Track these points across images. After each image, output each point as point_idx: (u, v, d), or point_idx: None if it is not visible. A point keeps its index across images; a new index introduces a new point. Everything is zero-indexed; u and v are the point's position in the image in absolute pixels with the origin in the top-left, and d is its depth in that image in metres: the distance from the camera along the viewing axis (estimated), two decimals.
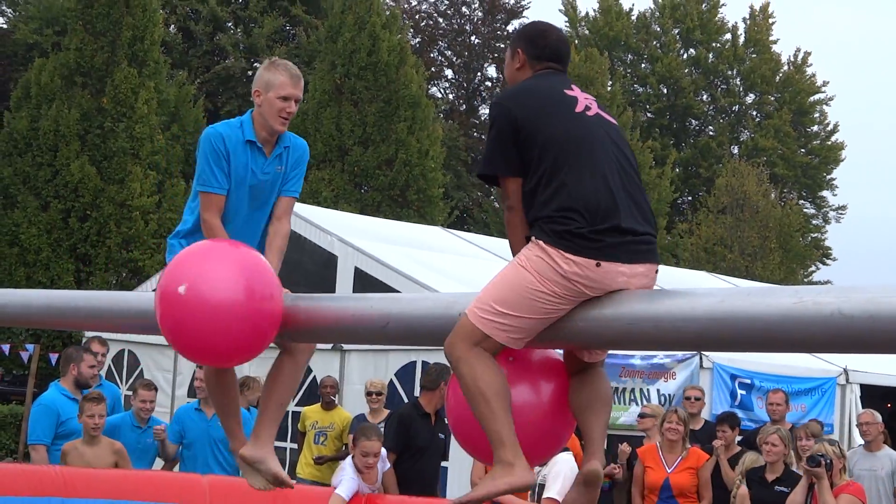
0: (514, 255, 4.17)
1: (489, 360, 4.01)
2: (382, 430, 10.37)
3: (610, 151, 4.09)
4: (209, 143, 4.91)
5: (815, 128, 46.50)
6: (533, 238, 4.02)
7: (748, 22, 45.95)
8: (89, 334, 12.70)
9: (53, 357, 19.79)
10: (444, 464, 10.86)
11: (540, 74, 4.32)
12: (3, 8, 38.26)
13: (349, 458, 9.06)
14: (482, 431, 4.09)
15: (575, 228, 3.92)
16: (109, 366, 16.18)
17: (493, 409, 3.98)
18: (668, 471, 9.38)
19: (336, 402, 11.66)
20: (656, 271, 4.10)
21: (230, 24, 38.34)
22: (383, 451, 9.20)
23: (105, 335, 11.76)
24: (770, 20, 45.96)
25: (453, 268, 14.73)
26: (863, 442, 10.89)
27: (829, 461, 8.14)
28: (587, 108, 4.17)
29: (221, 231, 4.84)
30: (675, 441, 9.45)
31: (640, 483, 9.53)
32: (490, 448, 4.09)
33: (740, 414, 13.11)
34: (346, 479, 8.76)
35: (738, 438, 10.52)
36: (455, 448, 11.52)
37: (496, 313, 3.97)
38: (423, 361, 12.81)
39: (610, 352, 12.12)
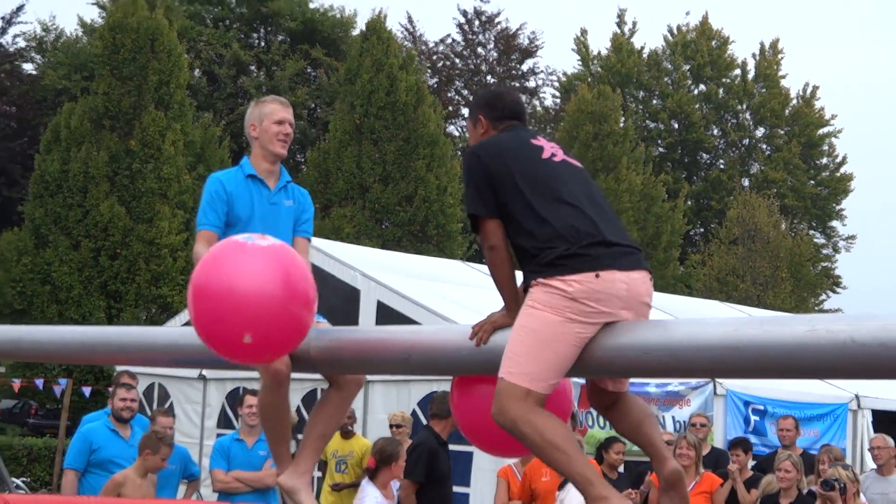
0: (500, 291, 4.25)
1: (543, 412, 4.04)
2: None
3: (578, 187, 4.22)
4: (208, 187, 5.11)
5: (825, 160, 46.41)
6: (532, 282, 4.08)
7: (757, 58, 45.97)
8: (120, 369, 12.73)
9: (86, 390, 19.86)
10: (464, 489, 10.82)
11: (504, 130, 4.45)
12: (33, 55, 38.55)
13: (367, 479, 9.07)
14: (495, 432, 4.15)
15: (563, 251, 4.00)
16: (140, 398, 16.21)
17: (570, 455, 4.01)
18: None
19: (354, 431, 11.62)
20: (650, 279, 4.15)
21: (253, 68, 38.58)
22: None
23: (135, 369, 11.80)
24: (779, 56, 45.99)
25: (473, 300, 14.70)
26: (875, 466, 10.82)
27: (843, 485, 8.10)
28: (553, 155, 4.30)
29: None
30: (688, 466, 9.42)
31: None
32: (507, 444, 4.21)
33: (754, 439, 13.06)
34: (368, 496, 8.78)
35: (752, 463, 10.47)
36: (475, 474, 11.49)
37: (527, 363, 4.01)
38: (444, 392, 12.80)
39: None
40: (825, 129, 46.12)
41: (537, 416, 4.02)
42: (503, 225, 4.21)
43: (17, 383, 22.21)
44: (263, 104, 5.21)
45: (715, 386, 13.68)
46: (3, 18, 35.01)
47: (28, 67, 37.71)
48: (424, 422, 12.90)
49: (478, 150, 4.35)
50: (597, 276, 3.97)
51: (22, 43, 37.55)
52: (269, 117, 5.14)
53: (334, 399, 5.08)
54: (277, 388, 4.82)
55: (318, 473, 12.93)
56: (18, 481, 17.91)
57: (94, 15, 38.79)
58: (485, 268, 16.59)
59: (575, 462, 4.04)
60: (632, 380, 12.88)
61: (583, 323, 3.98)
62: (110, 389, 9.47)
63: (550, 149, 4.32)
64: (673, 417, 13.37)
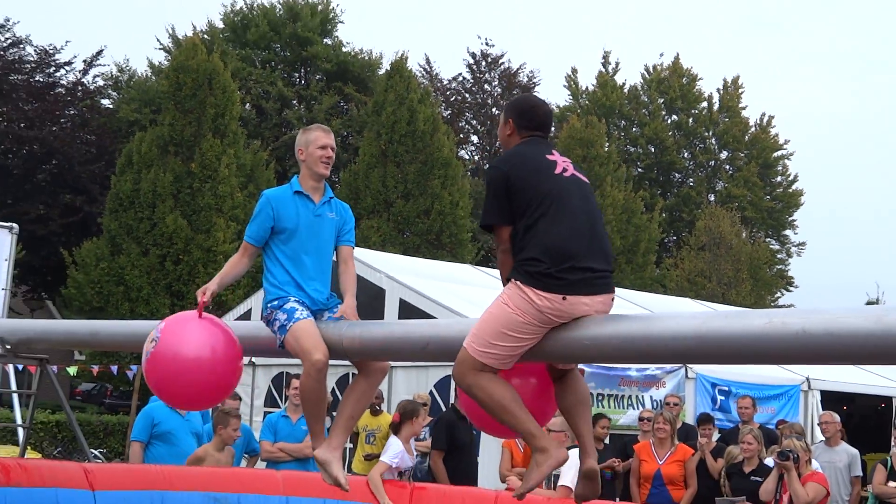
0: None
1: (493, 378, 4.15)
2: (428, 432, 10.37)
3: (577, 205, 4.19)
4: (258, 205, 5.25)
5: (779, 178, 46.34)
6: (513, 279, 4.13)
7: (721, 92, 45.95)
8: None
9: None
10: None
11: (526, 141, 4.41)
12: (110, 92, 38.71)
13: (394, 437, 9.10)
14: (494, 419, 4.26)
15: (543, 269, 4.03)
16: None
17: (514, 414, 4.14)
18: (660, 463, 9.33)
19: (382, 409, 11.69)
20: (612, 299, 4.19)
21: (295, 102, 38.63)
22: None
23: None
24: (739, 90, 45.96)
25: (481, 297, 14.70)
26: (823, 439, 10.79)
27: (796, 456, 8.07)
28: (564, 170, 4.27)
29: (231, 262, 5.51)
30: (664, 438, 9.42)
31: (636, 474, 9.48)
32: (504, 427, 4.33)
33: (720, 416, 13.05)
34: (391, 449, 8.81)
35: (717, 436, 10.45)
36: (483, 445, 11.48)
37: (488, 345, 4.11)
38: None
39: (610, 365, 11.98)
40: (779, 152, 46.08)
41: (488, 381, 4.13)
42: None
43: (95, 369, 22.29)
44: (309, 132, 5.26)
45: (686, 370, 13.65)
46: (85, 61, 35.12)
47: (106, 102, 37.82)
48: (440, 401, 12.92)
49: (500, 164, 4.33)
50: (564, 298, 4.02)
51: (101, 82, 37.67)
52: (314, 143, 5.18)
53: (362, 385, 5.13)
54: (317, 376, 4.84)
55: (349, 445, 12.96)
56: (96, 452, 17.96)
57: (161, 58, 38.94)
58: (491, 270, 16.65)
59: (519, 420, 4.16)
60: (615, 364, 12.87)
61: (541, 328, 4.07)
62: None
63: (562, 164, 4.30)
64: (651, 397, 13.35)
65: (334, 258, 5.29)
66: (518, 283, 4.08)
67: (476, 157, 44.48)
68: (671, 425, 9.52)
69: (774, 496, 8.13)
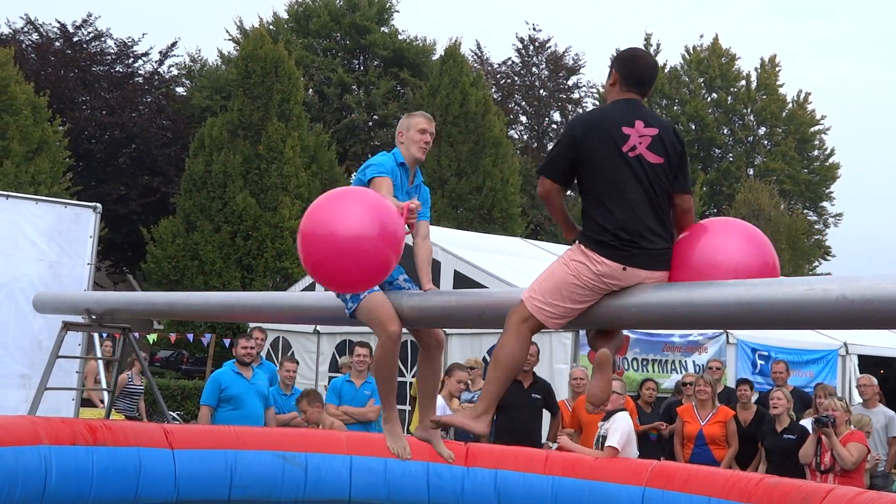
0: (557, 223, 4.35)
1: (524, 340, 4.11)
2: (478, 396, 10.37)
3: (640, 189, 3.98)
4: (384, 159, 5.03)
5: (816, 152, 45.52)
6: (577, 241, 4.06)
7: (759, 70, 45.17)
8: (252, 325, 12.86)
9: (226, 342, 20.13)
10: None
11: (617, 102, 4.16)
12: (183, 80, 39.05)
13: (439, 396, 9.17)
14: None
15: (608, 240, 3.94)
16: (268, 349, 16.39)
17: (500, 376, 4.11)
18: (702, 424, 9.24)
19: None
20: (668, 277, 4.05)
21: (354, 87, 38.66)
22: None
23: (265, 325, 11.94)
24: (777, 68, 45.15)
25: (530, 269, 14.62)
26: (861, 401, 10.60)
27: (832, 420, 7.91)
28: (633, 147, 4.02)
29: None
30: (706, 400, 9.32)
31: (680, 434, 9.39)
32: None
33: (759, 379, 12.89)
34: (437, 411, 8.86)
35: (755, 397, 10.31)
36: None
37: (542, 301, 4.04)
38: None
39: (653, 330, 11.91)
40: (816, 128, 45.26)
41: (518, 337, 4.09)
42: (560, 190, 4.19)
43: (173, 337, 22.62)
44: (412, 117, 5.17)
45: (727, 336, 13.50)
46: (160, 52, 35.48)
47: (180, 90, 38.18)
48: None
49: (577, 125, 4.13)
50: (624, 269, 3.93)
51: (175, 71, 38.04)
52: (415, 127, 5.09)
53: (426, 364, 5.19)
54: (393, 347, 4.85)
55: (408, 408, 13.02)
56: (174, 414, 18.24)
57: (230, 48, 39.14)
58: (539, 243, 16.58)
59: (496, 382, 4.15)
60: (659, 331, 12.73)
61: (594, 294, 3.98)
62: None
63: (637, 139, 4.02)
64: (693, 362, 13.23)
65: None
66: (582, 246, 4.00)
67: (525, 137, 44.23)
68: (712, 388, 9.43)
69: (815, 458, 8.01)
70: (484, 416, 4.14)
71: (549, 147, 43.27)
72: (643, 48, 4.86)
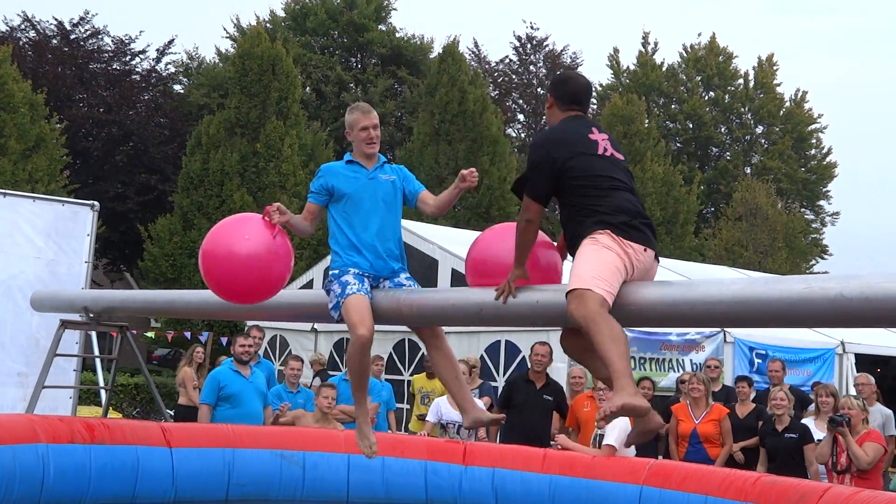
0: (517, 250, 4.35)
1: (613, 318, 4.03)
2: (478, 394, 10.37)
3: (620, 183, 4.22)
4: (322, 171, 5.23)
5: (813, 151, 45.54)
6: (598, 230, 4.09)
7: (756, 69, 45.18)
8: (250, 323, 12.85)
9: (223, 340, 20.13)
10: None
11: (566, 119, 4.40)
12: (181, 78, 39.01)
13: (443, 397, 9.22)
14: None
15: (627, 221, 4.08)
16: (266, 347, 16.39)
17: (623, 352, 3.98)
18: (696, 422, 9.23)
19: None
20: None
21: (352, 85, 38.65)
22: (480, 402, 9.27)
23: (262, 324, 11.93)
24: (774, 67, 45.16)
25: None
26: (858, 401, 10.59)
27: (848, 420, 7.86)
28: (605, 149, 4.27)
29: (299, 219, 5.33)
30: (699, 398, 9.31)
31: (674, 433, 9.39)
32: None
33: (757, 378, 12.89)
34: (433, 409, 8.90)
35: (753, 395, 10.31)
36: None
37: (609, 285, 4.02)
38: (506, 341, 12.77)
39: (651, 329, 11.90)
40: (813, 126, 45.27)
41: (610, 318, 3.99)
42: (542, 210, 4.31)
43: (170, 335, 22.62)
44: (351, 113, 5.20)
45: (725, 335, 13.51)
46: (157, 50, 35.43)
47: (177, 88, 38.12)
48: (490, 365, 12.91)
49: (545, 143, 4.33)
50: (645, 250, 4.10)
51: (172, 69, 37.99)
52: (356, 126, 5.13)
53: (434, 354, 5.18)
54: (361, 350, 4.88)
55: (406, 406, 13.03)
56: (172, 412, 18.22)
57: (227, 46, 39.15)
58: None
59: (623, 358, 3.99)
60: (656, 329, 12.72)
61: (626, 273, 4.06)
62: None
63: (603, 143, 4.29)
64: (691, 360, 13.24)
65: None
66: (608, 231, 4.07)
67: (522, 135, 44.24)
68: (705, 386, 9.41)
69: (831, 458, 7.95)
70: (637, 391, 4.06)
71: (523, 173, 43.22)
72: (575, 70, 5.11)
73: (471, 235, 18.24)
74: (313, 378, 12.58)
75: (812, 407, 10.11)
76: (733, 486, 6.48)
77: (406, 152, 30.96)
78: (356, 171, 5.14)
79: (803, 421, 9.02)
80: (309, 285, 17.21)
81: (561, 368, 11.70)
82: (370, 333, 4.80)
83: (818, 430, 8.71)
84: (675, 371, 12.89)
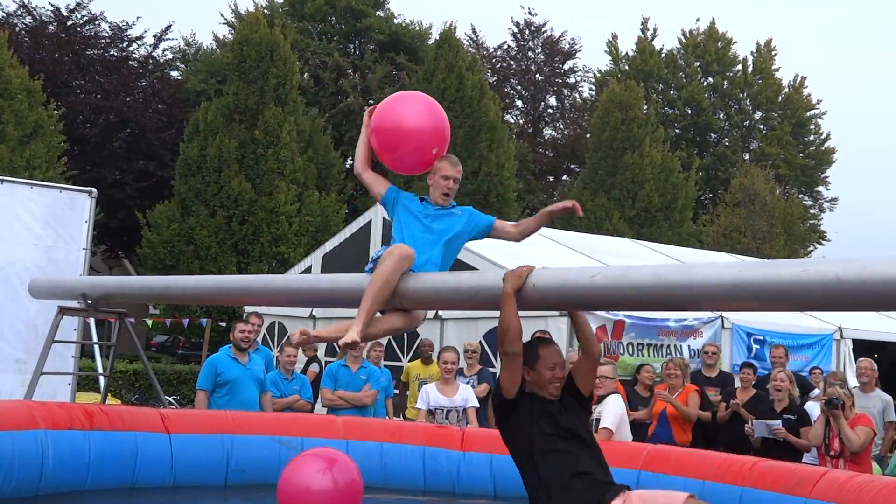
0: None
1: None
2: (476, 381, 10.39)
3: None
4: (401, 198, 5.32)
5: (811, 137, 45.50)
6: None
7: (755, 55, 45.10)
8: (249, 310, 12.84)
9: (222, 325, 20.14)
10: None
11: None
12: (178, 64, 38.89)
13: (431, 384, 9.26)
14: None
15: None
16: (265, 334, 16.39)
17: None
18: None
19: (433, 358, 11.66)
20: None
21: (350, 71, 38.54)
22: (468, 388, 9.28)
23: (261, 310, 11.92)
24: (773, 52, 45.08)
25: (524, 253, 14.65)
26: (857, 384, 10.62)
27: (841, 403, 7.97)
28: None
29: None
30: (676, 383, 9.50)
31: (655, 415, 9.55)
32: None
33: (755, 363, 12.91)
34: (422, 395, 8.94)
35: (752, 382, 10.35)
36: None
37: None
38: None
39: (648, 315, 11.89)
40: (812, 112, 45.23)
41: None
42: None
43: (168, 321, 22.62)
44: (441, 160, 5.21)
45: (723, 321, 13.52)
46: (155, 36, 35.28)
47: (175, 74, 38.00)
48: (489, 351, 12.91)
49: None
50: None
51: (170, 55, 37.82)
52: (439, 172, 5.13)
53: (397, 313, 4.96)
54: (400, 266, 4.73)
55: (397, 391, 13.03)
56: (171, 399, 18.25)
57: (225, 32, 39.03)
58: None
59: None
60: (654, 315, 12.73)
61: None
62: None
63: None
64: (689, 346, 13.25)
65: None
66: None
67: (521, 121, 44.18)
68: (682, 370, 9.58)
69: (823, 441, 8.04)
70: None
71: (546, 132, 43.43)
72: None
73: None
74: (306, 363, 12.59)
75: (816, 392, 10.16)
76: (730, 470, 6.50)
77: None
78: (421, 208, 5.14)
79: (807, 405, 9.08)
80: (307, 271, 17.22)
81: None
82: (414, 256, 4.77)
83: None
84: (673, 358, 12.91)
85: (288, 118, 27.71)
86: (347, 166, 32.58)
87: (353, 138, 36.81)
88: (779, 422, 8.57)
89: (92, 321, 10.64)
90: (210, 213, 26.68)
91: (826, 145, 45.30)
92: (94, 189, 10.82)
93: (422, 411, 9.04)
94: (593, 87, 45.13)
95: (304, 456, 5.66)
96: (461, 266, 13.58)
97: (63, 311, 7.96)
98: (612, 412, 7.83)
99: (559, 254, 15.32)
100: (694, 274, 3.71)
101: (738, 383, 10.11)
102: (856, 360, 12.25)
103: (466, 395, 9.19)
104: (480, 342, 12.70)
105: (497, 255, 13.59)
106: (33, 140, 24.65)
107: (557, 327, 12.18)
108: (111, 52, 33.96)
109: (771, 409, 8.82)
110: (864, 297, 3.33)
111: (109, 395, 9.68)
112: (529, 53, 42.96)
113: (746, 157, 43.95)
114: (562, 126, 44.69)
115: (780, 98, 44.60)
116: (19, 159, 23.58)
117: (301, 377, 10.21)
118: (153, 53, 35.42)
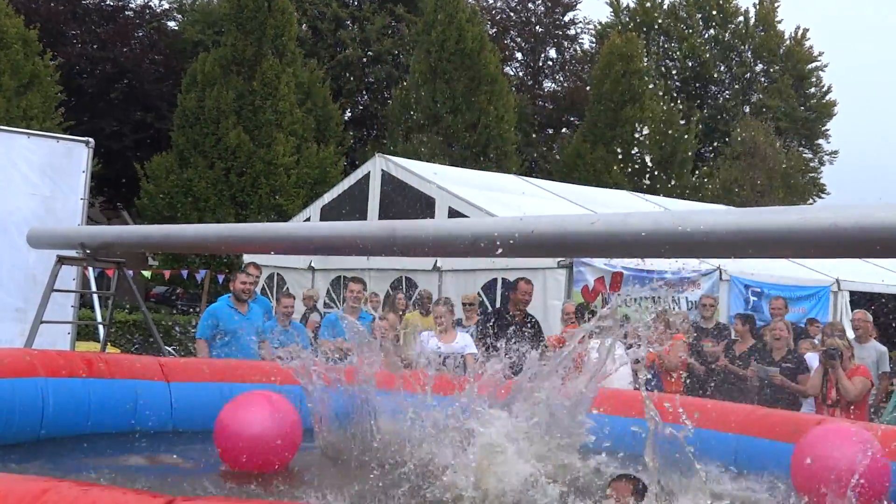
0: None
1: None
2: (475, 330, 10.42)
3: None
4: None
5: (813, 89, 45.27)
6: None
7: (757, 6, 44.72)
8: (247, 259, 12.86)
9: (220, 278, 20.17)
10: None
11: None
12: (175, 15, 38.55)
13: (427, 331, 9.30)
14: None
15: None
16: (263, 285, 16.43)
17: None
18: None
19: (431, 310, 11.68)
20: None
21: (349, 23, 38.21)
22: (466, 335, 9.31)
23: (260, 261, 11.93)
24: (775, 3, 44.69)
25: (525, 205, 14.66)
26: (854, 336, 10.66)
27: (840, 353, 8.02)
28: None
29: None
30: (662, 333, 9.56)
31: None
32: None
33: (752, 315, 12.97)
34: (421, 341, 9.00)
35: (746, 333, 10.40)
36: None
37: None
38: (502, 279, 12.80)
39: (647, 267, 11.94)
40: (813, 64, 44.96)
41: None
42: None
43: (167, 273, 22.65)
44: None
45: (721, 272, 13.55)
46: None
47: (172, 24, 37.72)
48: (486, 302, 12.96)
49: None
50: None
51: (167, 4, 37.59)
52: None
53: None
54: None
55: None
56: (170, 349, 18.31)
57: None
58: (534, 180, 16.56)
59: None
60: (651, 267, 12.80)
61: None
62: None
63: None
64: (686, 298, 13.30)
65: None
66: None
67: (520, 73, 43.89)
68: (666, 324, 9.69)
69: (821, 391, 8.11)
70: None
71: (546, 85, 43.15)
72: None
73: (468, 174, 18.23)
74: (304, 313, 12.64)
75: (816, 340, 10.21)
76: (727, 418, 6.53)
77: (402, 91, 30.73)
78: None
79: (806, 356, 9.14)
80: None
81: (556, 305, 11.76)
82: None
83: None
84: (671, 309, 12.95)
85: (286, 69, 27.54)
86: (346, 118, 32.43)
87: (351, 90, 36.63)
88: (777, 368, 8.64)
89: (91, 271, 10.65)
90: (208, 165, 26.62)
91: (827, 98, 45.09)
92: (91, 139, 10.76)
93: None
94: (594, 40, 44.79)
95: (241, 399, 5.69)
96: (454, 215, 13.62)
97: (62, 260, 7.96)
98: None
99: (557, 206, 15.31)
100: (693, 220, 3.70)
101: (733, 335, 10.16)
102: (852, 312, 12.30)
103: (465, 342, 9.22)
104: (479, 293, 12.74)
105: (500, 209, 13.60)
106: (30, 90, 24.51)
107: (555, 279, 12.21)
108: (107, 2, 33.64)
109: (769, 358, 8.89)
110: (862, 243, 3.32)
111: (109, 344, 9.71)
112: (529, 5, 42.57)
113: (747, 109, 43.75)
114: (561, 78, 44.41)
115: (781, 50, 44.30)
116: (16, 109, 23.45)
117: (298, 325, 10.26)
118: (150, 3, 35.15)
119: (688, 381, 9.53)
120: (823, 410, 8.01)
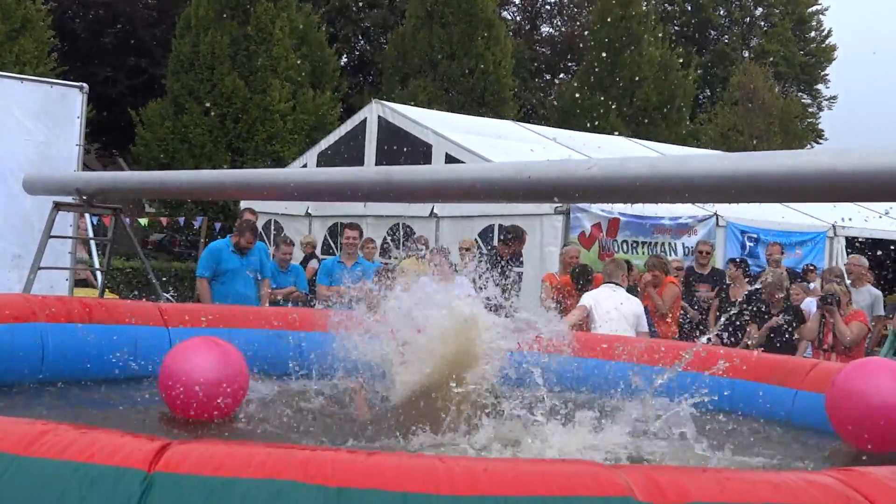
0: None
1: None
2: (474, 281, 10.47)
3: None
4: None
5: (813, 34, 44.96)
6: None
7: None
8: (244, 205, 12.86)
9: (217, 226, 20.19)
10: None
11: None
12: None
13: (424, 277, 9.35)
14: None
15: None
16: (260, 232, 16.43)
17: None
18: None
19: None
20: None
21: None
22: (465, 280, 9.37)
23: (256, 208, 11.92)
24: None
25: (522, 152, 14.62)
26: (849, 281, 10.72)
27: (838, 298, 8.07)
28: None
29: None
30: (657, 275, 9.66)
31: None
32: None
33: (749, 261, 13.01)
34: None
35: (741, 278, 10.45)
36: (526, 279, 11.57)
37: None
38: (499, 225, 12.82)
39: (643, 213, 12.01)
40: (814, 7, 44.61)
41: None
42: None
43: (164, 220, 22.65)
44: None
45: (717, 218, 13.56)
46: None
47: None
48: (483, 248, 12.98)
49: None
50: None
51: None
52: None
53: None
54: None
55: None
56: (168, 295, 18.38)
57: None
58: (532, 126, 16.52)
59: None
60: (648, 213, 12.83)
61: None
62: (235, 225, 9.60)
63: None
64: (683, 244, 13.32)
65: None
66: None
67: (518, 18, 43.49)
68: (660, 269, 9.74)
69: (818, 335, 8.18)
70: None
71: (543, 29, 42.77)
72: None
73: (465, 120, 18.14)
74: (303, 260, 12.72)
75: (813, 285, 10.27)
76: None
77: (399, 36, 30.46)
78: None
79: (806, 302, 9.20)
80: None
81: (553, 252, 11.79)
82: None
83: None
84: (667, 255, 12.99)
85: (280, 14, 27.26)
86: (342, 64, 32.16)
87: (347, 35, 36.28)
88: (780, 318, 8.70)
89: (88, 217, 10.65)
90: (203, 111, 26.47)
91: (827, 42, 44.80)
92: (84, 84, 10.68)
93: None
94: None
95: (185, 344, 5.71)
96: (451, 160, 13.59)
97: (58, 206, 7.94)
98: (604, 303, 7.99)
99: (554, 151, 15.26)
100: (690, 165, 3.71)
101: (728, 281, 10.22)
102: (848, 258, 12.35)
103: (464, 286, 9.25)
104: (476, 239, 12.77)
105: (497, 156, 13.57)
106: (22, 35, 24.26)
107: (552, 225, 12.22)
108: None
109: (767, 312, 8.94)
110: (859, 187, 3.33)
111: (107, 291, 9.74)
112: None
113: (746, 54, 43.47)
114: (559, 23, 44.02)
115: None
116: (8, 55, 23.24)
117: (297, 268, 10.34)
118: None
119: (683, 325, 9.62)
120: (819, 355, 8.08)
